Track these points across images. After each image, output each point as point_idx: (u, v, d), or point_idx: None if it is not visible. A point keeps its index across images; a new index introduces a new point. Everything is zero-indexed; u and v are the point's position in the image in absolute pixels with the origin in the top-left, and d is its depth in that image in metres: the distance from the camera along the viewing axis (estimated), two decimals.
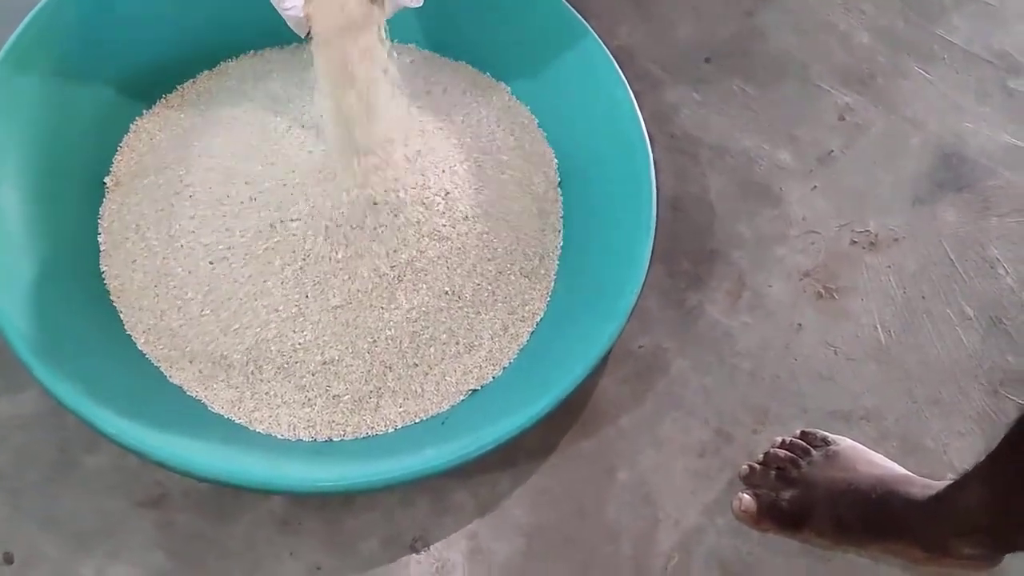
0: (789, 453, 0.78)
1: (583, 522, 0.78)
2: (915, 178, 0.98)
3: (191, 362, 0.75)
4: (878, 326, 0.89)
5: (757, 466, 0.78)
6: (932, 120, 1.01)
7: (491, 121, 0.89)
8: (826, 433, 0.79)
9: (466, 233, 0.80)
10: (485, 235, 0.81)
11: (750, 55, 1.04)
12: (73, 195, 0.80)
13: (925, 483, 0.74)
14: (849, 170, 0.98)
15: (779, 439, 0.79)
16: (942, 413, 0.85)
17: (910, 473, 0.77)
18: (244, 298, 0.75)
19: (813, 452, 0.77)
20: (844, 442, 0.78)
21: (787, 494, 0.76)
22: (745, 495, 0.77)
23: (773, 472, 0.77)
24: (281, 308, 0.75)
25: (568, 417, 0.82)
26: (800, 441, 0.79)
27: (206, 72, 0.90)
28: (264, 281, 0.75)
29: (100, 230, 0.81)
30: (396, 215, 0.77)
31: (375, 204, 0.76)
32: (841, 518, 0.74)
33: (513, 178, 0.86)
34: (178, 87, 0.89)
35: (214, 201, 0.78)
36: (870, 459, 0.78)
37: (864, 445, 0.83)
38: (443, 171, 0.81)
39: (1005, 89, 1.04)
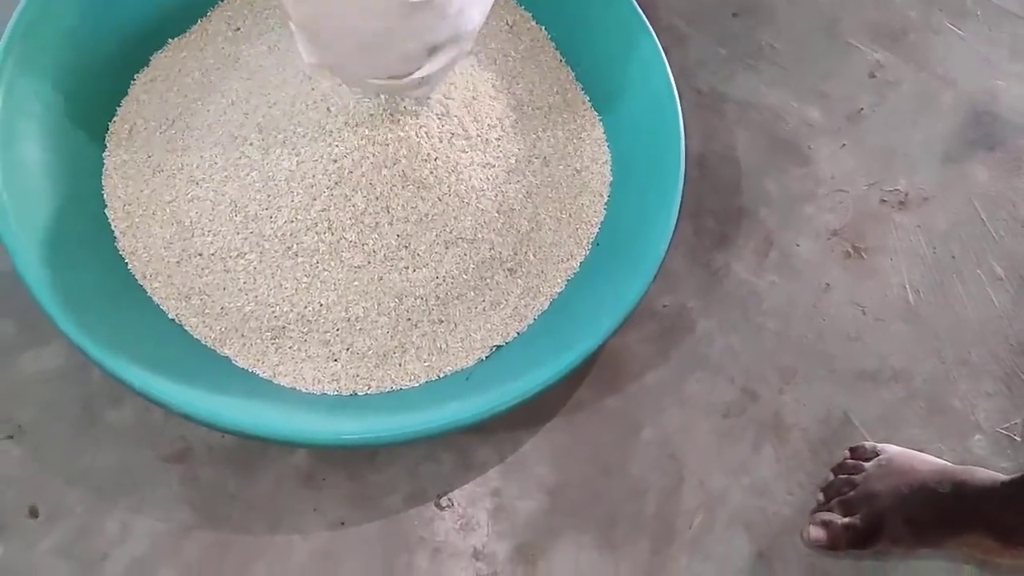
0: (844, 476, 0.77)
1: (607, 480, 0.78)
2: (946, 136, 0.96)
3: (213, 317, 0.74)
4: (907, 286, 0.88)
5: (822, 501, 0.77)
6: (964, 78, 0.99)
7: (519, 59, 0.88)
8: (874, 443, 0.79)
9: (503, 196, 0.79)
10: (521, 196, 0.80)
11: (778, 10, 1.02)
12: (94, 148, 0.79)
13: (987, 472, 0.73)
14: (879, 128, 0.96)
15: (831, 473, 0.79)
16: (970, 374, 0.84)
17: (967, 465, 0.76)
18: (266, 252, 0.74)
19: (866, 466, 0.76)
20: (891, 448, 0.78)
21: (856, 515, 0.74)
22: (812, 526, 0.75)
23: (836, 503, 0.76)
24: (306, 264, 0.74)
25: (592, 375, 0.81)
26: (851, 460, 0.78)
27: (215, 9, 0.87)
28: (288, 235, 0.74)
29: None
30: (429, 185, 0.75)
31: (404, 175, 0.75)
32: (915, 519, 0.73)
33: (550, 128, 0.85)
34: (191, 27, 0.86)
35: (227, 146, 0.76)
36: (924, 458, 0.77)
37: (892, 405, 0.82)
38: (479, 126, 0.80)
39: None
